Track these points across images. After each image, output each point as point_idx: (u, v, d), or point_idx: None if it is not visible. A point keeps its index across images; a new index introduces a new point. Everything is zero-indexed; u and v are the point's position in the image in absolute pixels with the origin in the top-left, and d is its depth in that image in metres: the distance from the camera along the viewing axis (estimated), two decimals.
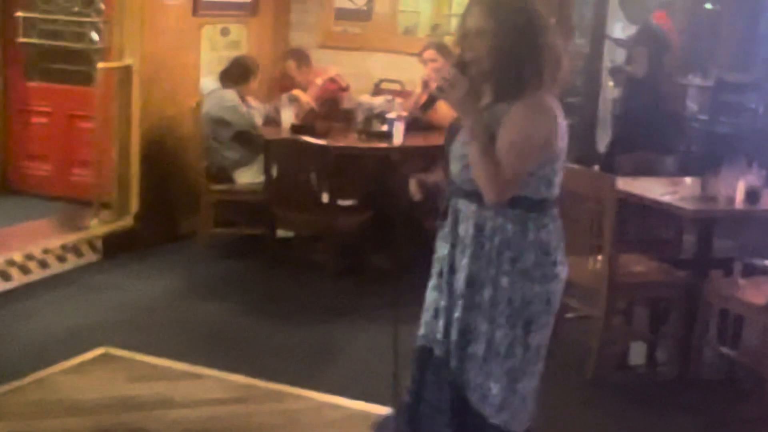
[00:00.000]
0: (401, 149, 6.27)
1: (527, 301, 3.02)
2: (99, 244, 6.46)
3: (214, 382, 4.64)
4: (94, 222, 6.61)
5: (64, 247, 6.25)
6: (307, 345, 5.19)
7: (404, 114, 6.42)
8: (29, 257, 5.99)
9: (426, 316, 3.23)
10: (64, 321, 5.30)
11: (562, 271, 3.08)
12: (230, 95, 6.55)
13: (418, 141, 6.29)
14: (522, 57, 2.98)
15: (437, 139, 6.25)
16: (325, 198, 5.93)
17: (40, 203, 7.18)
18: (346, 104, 6.99)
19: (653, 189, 5.01)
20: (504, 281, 3.01)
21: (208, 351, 4.98)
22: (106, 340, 5.01)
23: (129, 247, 6.55)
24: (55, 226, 6.63)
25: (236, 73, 6.70)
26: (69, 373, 4.64)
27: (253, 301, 5.82)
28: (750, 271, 5.24)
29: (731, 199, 4.85)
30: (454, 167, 3.10)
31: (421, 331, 3.24)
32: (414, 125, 6.41)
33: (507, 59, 2.98)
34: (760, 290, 4.62)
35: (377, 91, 7.50)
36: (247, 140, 6.58)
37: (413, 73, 7.11)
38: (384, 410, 4.34)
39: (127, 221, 6.69)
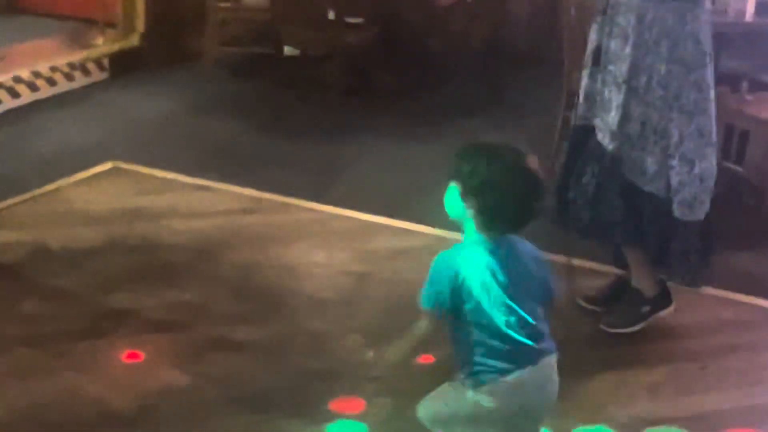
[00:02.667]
0: None
1: (683, 87, 3.28)
2: (106, 62, 6.45)
3: (222, 195, 4.71)
4: (100, 41, 6.57)
5: (71, 65, 6.24)
6: (315, 160, 5.24)
7: None
8: (36, 74, 6.00)
9: (583, 100, 3.49)
10: (73, 137, 5.34)
11: (711, 60, 3.33)
12: None
13: None
14: None
15: None
16: (331, 15, 5.85)
17: (46, 22, 7.10)
18: None
19: None
20: (661, 69, 3.27)
21: (217, 166, 5.03)
22: (115, 155, 5.06)
23: (136, 66, 6.53)
24: (62, 44, 6.59)
25: None
26: (79, 186, 4.72)
27: (261, 118, 5.83)
28: (757, 88, 5.20)
29: (741, 13, 4.77)
30: None
31: (579, 112, 3.51)
32: None
33: None
34: (766, 106, 4.60)
35: None
36: None
37: None
38: (387, 222, 4.45)
39: (134, 40, 6.64)
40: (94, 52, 6.44)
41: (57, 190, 4.64)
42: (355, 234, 4.37)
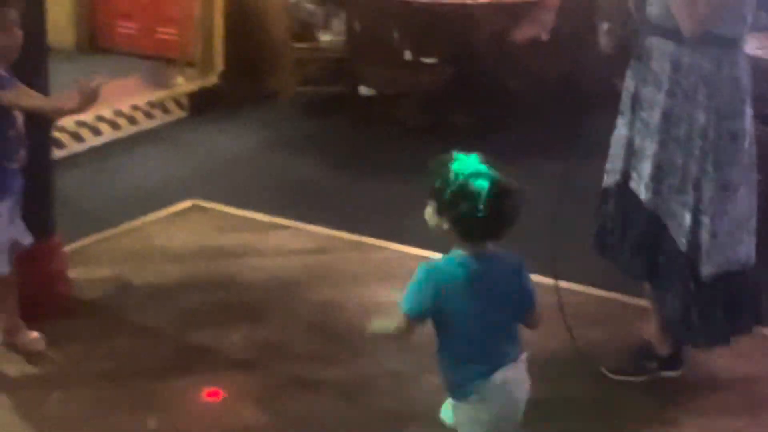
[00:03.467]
0: (485, 6, 6.16)
1: (719, 137, 3.17)
2: (185, 101, 6.57)
3: (300, 233, 4.75)
4: (179, 80, 6.70)
5: (151, 104, 6.37)
6: (391, 199, 5.26)
7: None
8: (118, 113, 6.13)
9: (617, 152, 3.43)
10: (153, 175, 5.44)
11: (749, 109, 3.22)
12: None
13: None
14: None
15: None
16: (407, 55, 5.90)
17: (127, 61, 7.27)
18: None
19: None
20: (701, 117, 3.16)
21: (294, 204, 5.08)
22: (194, 193, 5.14)
23: (214, 104, 6.64)
24: (142, 83, 6.73)
25: None
26: (160, 223, 4.79)
27: (337, 157, 5.89)
28: None
29: None
30: (655, 7, 3.20)
31: (610, 166, 3.47)
32: None
33: None
34: None
35: None
36: None
37: None
38: None
39: (212, 79, 6.77)
40: (174, 91, 6.56)
41: (139, 227, 4.72)
42: None
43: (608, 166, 3.51)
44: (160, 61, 7.05)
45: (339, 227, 4.80)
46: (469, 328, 2.57)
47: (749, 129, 3.24)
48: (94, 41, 7.70)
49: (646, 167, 3.29)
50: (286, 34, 6.67)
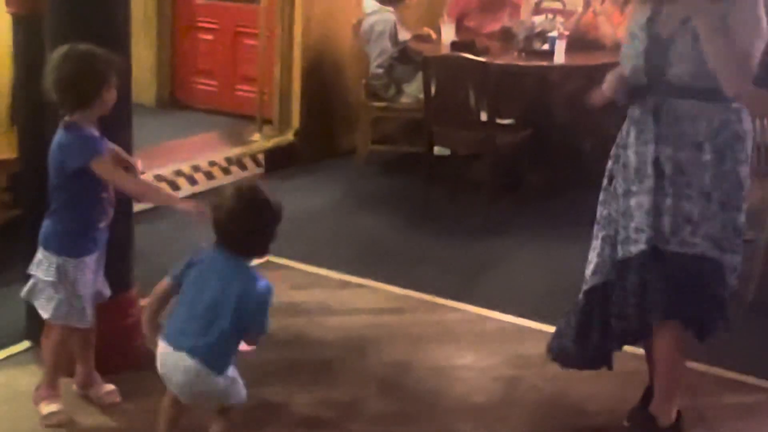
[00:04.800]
0: (561, 68, 6.18)
1: (737, 185, 3.26)
2: (261, 158, 6.66)
3: (371, 292, 4.76)
4: (257, 136, 6.80)
5: (228, 160, 6.47)
6: (464, 260, 5.25)
7: (565, 33, 6.32)
8: (196, 168, 6.23)
9: (638, 219, 3.32)
10: None
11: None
12: (386, 18, 6.62)
13: (579, 60, 6.18)
14: None
15: (598, 58, 6.19)
16: (483, 116, 5.91)
17: (206, 118, 7.42)
18: (506, 22, 6.92)
19: None
20: (742, 171, 3.25)
21: (367, 262, 5.10)
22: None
23: (290, 161, 6.73)
24: (220, 140, 6.85)
25: None
26: None
27: (411, 216, 5.90)
28: None
29: None
30: (685, 68, 3.20)
31: (625, 236, 3.36)
32: (574, 45, 6.32)
33: None
34: None
35: (537, 10, 7.40)
36: (406, 58, 6.63)
37: None
38: (537, 326, 4.41)
39: (289, 136, 6.86)
40: (251, 148, 6.66)
41: None
42: (505, 337, 4.34)
43: (621, 236, 3.37)
44: (238, 118, 7.19)
45: (411, 286, 4.80)
46: (185, 299, 3.06)
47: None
48: (174, 98, 7.87)
49: (714, 226, 3.24)
50: (363, 93, 6.74)
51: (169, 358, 3.03)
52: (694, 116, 3.22)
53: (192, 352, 2.99)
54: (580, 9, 6.71)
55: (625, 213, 3.35)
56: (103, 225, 3.44)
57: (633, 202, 3.32)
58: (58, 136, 3.33)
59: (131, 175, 3.47)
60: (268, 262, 5.01)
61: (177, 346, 3.01)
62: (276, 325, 4.28)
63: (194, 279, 3.07)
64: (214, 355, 3.01)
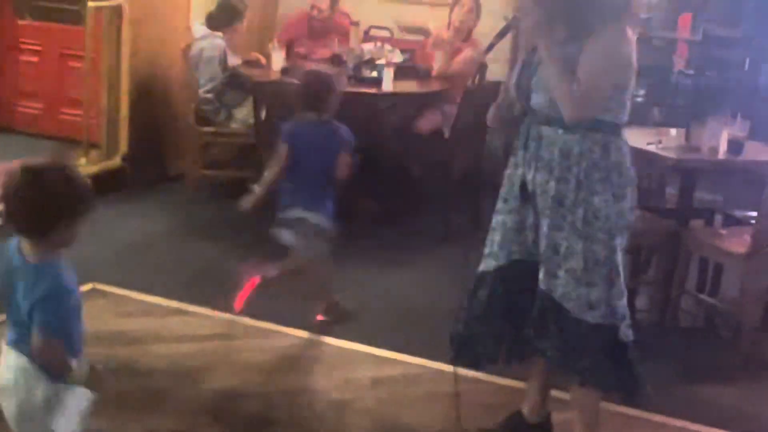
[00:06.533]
0: (390, 96, 6.29)
1: (617, 216, 3.30)
2: (89, 182, 6.49)
3: (201, 319, 4.72)
4: (83, 161, 6.63)
5: None
6: (295, 287, 5.25)
7: (393, 60, 6.45)
8: None
9: (503, 237, 3.49)
10: None
11: (632, 189, 3.37)
12: (216, 44, 6.60)
13: (407, 88, 6.32)
14: None
15: (425, 87, 6.34)
16: None
17: (30, 141, 7.21)
18: (336, 49, 7.00)
19: (638, 138, 5.08)
20: (596, 201, 3.27)
21: (196, 289, 5.05)
22: (94, 276, 5.06)
23: (118, 187, 6.59)
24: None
25: (223, 17, 6.72)
26: None
27: (242, 242, 5.86)
28: (730, 222, 5.34)
29: (714, 150, 4.92)
30: (541, 96, 3.31)
31: (489, 250, 3.53)
32: (404, 73, 6.46)
33: None
34: (739, 239, 4.71)
35: (367, 37, 7.53)
36: (236, 83, 6.62)
37: (403, 19, 7.18)
38: (369, 350, 4.46)
39: (116, 161, 6.72)
40: None
41: None
42: (337, 362, 4.37)
43: (487, 251, 3.55)
44: (64, 142, 7.00)
45: (244, 313, 4.77)
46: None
47: (632, 211, 3.39)
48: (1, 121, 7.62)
49: (554, 255, 3.33)
50: (193, 118, 6.68)
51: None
52: (552, 142, 3.30)
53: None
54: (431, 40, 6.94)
55: (493, 229, 3.53)
56: None
57: (500, 219, 3.50)
58: None
59: None
60: (93, 289, 4.92)
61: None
62: (104, 354, 4.22)
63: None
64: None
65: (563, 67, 3.18)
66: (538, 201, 3.36)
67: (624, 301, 3.38)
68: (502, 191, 3.53)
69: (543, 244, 3.35)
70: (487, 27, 6.59)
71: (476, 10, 6.64)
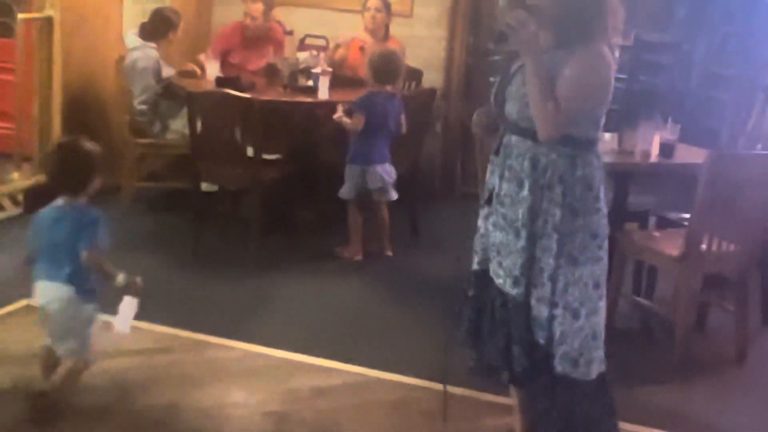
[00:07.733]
0: (326, 104, 6.29)
1: (573, 233, 3.25)
2: (20, 197, 6.40)
3: (139, 333, 4.63)
4: (14, 175, 6.54)
5: None
6: (234, 297, 5.24)
7: (329, 69, 6.45)
8: None
9: (477, 240, 3.51)
10: None
11: (603, 207, 3.32)
12: (149, 55, 6.55)
13: (343, 96, 6.32)
14: (589, 4, 3.20)
15: (360, 94, 6.34)
16: (250, 152, 5.92)
17: None
18: (271, 59, 6.98)
19: None
20: (556, 213, 3.24)
21: None
22: (28, 292, 4.94)
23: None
24: None
25: (156, 27, 6.67)
26: None
27: (180, 254, 5.83)
28: (664, 224, 5.41)
29: (647, 153, 4.99)
30: (513, 106, 3.32)
31: (479, 255, 3.51)
32: (340, 81, 6.47)
33: (576, 5, 3.20)
34: (673, 242, 4.77)
35: (302, 46, 7.53)
36: (171, 94, 6.57)
37: (338, 29, 7.19)
38: (308, 359, 4.45)
39: None
40: (8, 187, 6.40)
41: None
42: (275, 373, 4.35)
43: (474, 250, 3.57)
44: None
45: (181, 326, 4.74)
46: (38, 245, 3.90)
47: (605, 231, 3.32)
48: None
49: (515, 262, 3.30)
50: (127, 130, 6.62)
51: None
52: (520, 152, 3.29)
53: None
54: (333, 44, 7.01)
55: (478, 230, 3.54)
56: None
57: (478, 223, 3.51)
58: None
59: None
60: (28, 306, 4.84)
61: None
62: (36, 372, 4.15)
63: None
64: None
65: (546, 85, 3.14)
66: (510, 211, 3.32)
67: (568, 328, 3.31)
68: (482, 196, 3.54)
69: (518, 257, 3.30)
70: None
71: (385, 9, 6.94)
